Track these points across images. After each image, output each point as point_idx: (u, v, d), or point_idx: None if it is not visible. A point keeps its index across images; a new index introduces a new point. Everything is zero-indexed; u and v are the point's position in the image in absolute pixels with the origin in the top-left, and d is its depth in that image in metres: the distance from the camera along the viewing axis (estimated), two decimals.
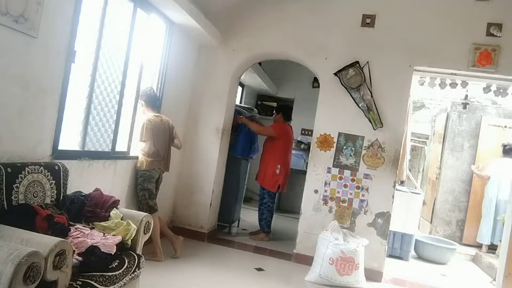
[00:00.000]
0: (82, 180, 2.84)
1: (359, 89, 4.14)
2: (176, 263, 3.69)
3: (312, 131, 4.42)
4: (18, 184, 2.14)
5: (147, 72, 3.83)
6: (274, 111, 5.43)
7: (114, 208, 2.60)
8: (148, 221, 2.65)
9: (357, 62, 4.16)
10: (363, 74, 4.14)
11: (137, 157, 3.59)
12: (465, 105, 6.21)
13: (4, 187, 2.05)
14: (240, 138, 5.01)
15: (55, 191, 2.43)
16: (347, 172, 4.21)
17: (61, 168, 2.49)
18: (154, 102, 3.64)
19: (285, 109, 5.21)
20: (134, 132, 3.63)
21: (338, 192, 4.21)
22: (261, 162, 5.08)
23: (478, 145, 6.29)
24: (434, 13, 4.09)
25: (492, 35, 3.87)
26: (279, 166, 4.91)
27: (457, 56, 3.98)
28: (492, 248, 5.62)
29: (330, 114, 4.28)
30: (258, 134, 5.10)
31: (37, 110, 2.42)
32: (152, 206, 3.57)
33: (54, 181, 2.41)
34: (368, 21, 4.22)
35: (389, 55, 4.14)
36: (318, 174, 4.27)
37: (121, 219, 2.52)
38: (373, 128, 4.13)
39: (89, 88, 2.95)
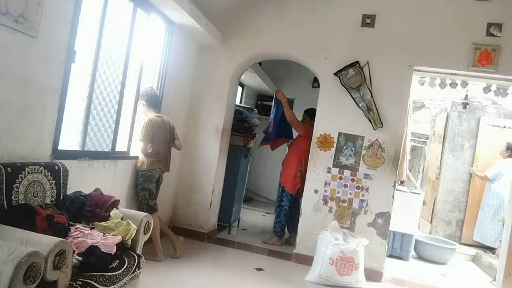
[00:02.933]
0: (82, 180, 2.84)
1: (359, 89, 4.14)
2: (176, 263, 3.69)
3: None
4: (18, 184, 2.14)
5: (147, 72, 3.82)
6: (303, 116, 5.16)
7: (114, 208, 2.60)
8: (148, 221, 2.65)
9: (357, 62, 4.16)
10: (363, 74, 4.14)
11: (137, 157, 3.59)
12: (465, 105, 6.20)
13: (4, 187, 2.05)
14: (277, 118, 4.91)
15: (55, 191, 2.43)
16: (347, 172, 4.21)
17: (61, 168, 2.49)
18: (155, 102, 3.64)
19: (312, 113, 4.68)
20: (134, 132, 3.63)
21: (338, 192, 4.21)
22: (285, 163, 4.98)
23: (477, 145, 6.29)
24: (434, 13, 4.09)
25: (492, 35, 3.87)
26: (301, 169, 4.74)
27: (457, 56, 3.98)
28: None
29: (330, 114, 4.28)
30: (289, 121, 4.85)
31: (37, 110, 2.42)
32: (152, 206, 3.57)
33: (54, 181, 2.41)
34: (368, 21, 4.22)
35: (389, 55, 4.14)
36: (318, 174, 4.27)
37: (121, 219, 2.52)
38: (373, 128, 4.13)
39: (89, 88, 2.95)
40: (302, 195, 4.43)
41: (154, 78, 3.97)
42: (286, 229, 4.99)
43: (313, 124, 4.46)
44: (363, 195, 4.16)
